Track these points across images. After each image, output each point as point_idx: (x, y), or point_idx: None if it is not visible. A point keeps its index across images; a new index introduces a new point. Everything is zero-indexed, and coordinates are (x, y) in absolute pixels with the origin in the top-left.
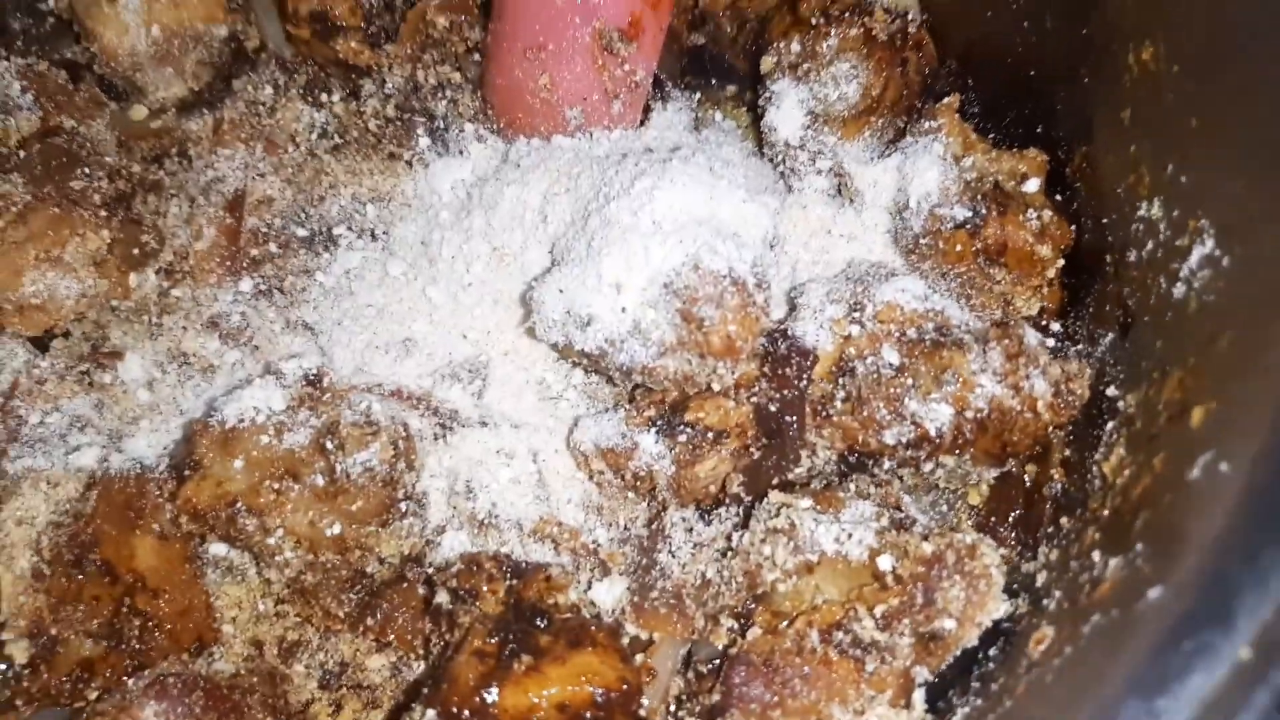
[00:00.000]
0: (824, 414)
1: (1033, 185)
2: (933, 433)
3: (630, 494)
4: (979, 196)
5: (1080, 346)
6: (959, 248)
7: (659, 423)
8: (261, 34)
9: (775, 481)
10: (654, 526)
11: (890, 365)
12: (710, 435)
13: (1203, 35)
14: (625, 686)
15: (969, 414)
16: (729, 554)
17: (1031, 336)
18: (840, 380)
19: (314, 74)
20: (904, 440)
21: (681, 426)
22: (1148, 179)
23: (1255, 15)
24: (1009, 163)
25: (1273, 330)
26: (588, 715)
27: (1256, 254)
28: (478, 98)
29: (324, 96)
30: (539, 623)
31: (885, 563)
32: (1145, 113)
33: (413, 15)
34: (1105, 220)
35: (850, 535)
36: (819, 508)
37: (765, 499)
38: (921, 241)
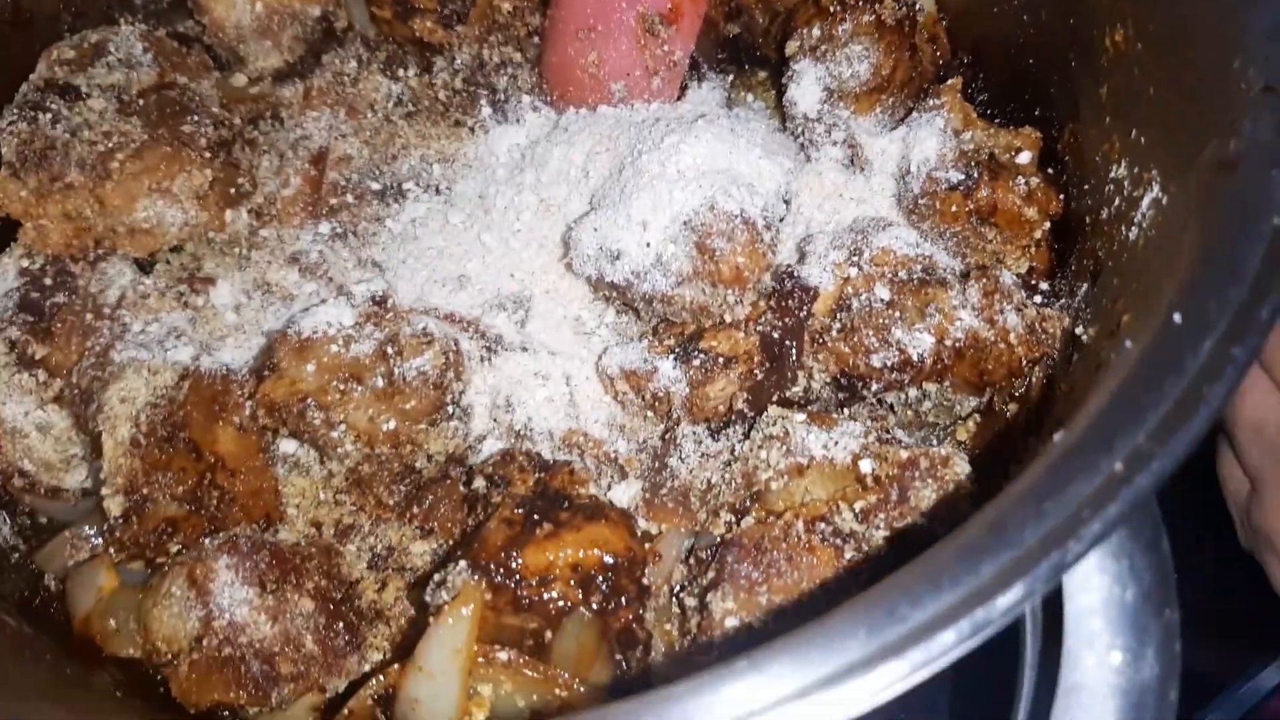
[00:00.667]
0: (820, 341)
1: (1025, 157)
2: (915, 358)
3: (649, 413)
4: (974, 164)
5: (1063, 301)
6: (954, 208)
7: (677, 350)
8: (349, 15)
9: (775, 399)
10: (667, 438)
11: (881, 300)
12: (721, 361)
13: (1163, 15)
14: (632, 555)
15: (948, 342)
16: (731, 461)
17: (1007, 278)
18: (838, 315)
19: (393, 51)
20: (889, 364)
21: (696, 353)
22: (1118, 145)
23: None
24: (1005, 138)
25: (1183, 243)
26: (597, 576)
27: (1182, 189)
28: (535, 74)
29: (400, 70)
30: (561, 504)
31: (866, 466)
32: (1117, 87)
33: (482, 1)
34: (1086, 187)
35: (837, 443)
36: (813, 423)
37: (765, 413)
38: (920, 202)
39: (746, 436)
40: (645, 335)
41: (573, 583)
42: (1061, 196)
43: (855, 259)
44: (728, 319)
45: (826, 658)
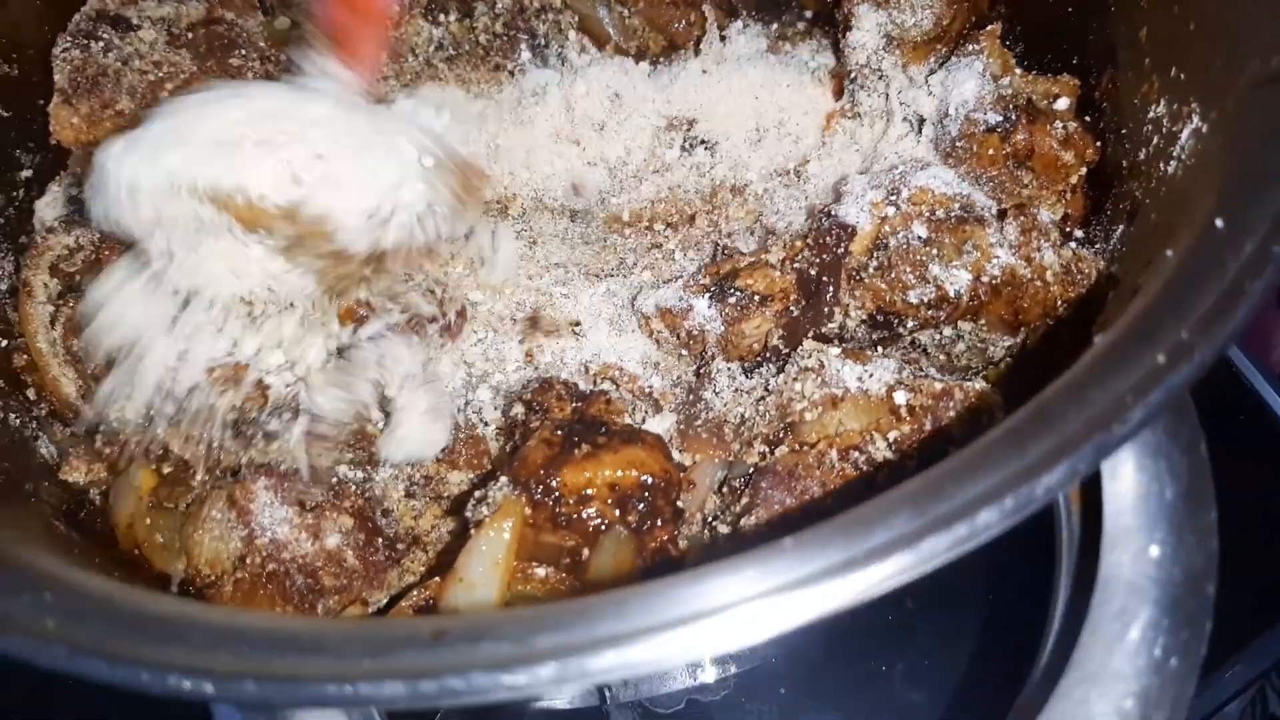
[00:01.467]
0: (857, 278)
1: (1063, 104)
2: (951, 294)
3: (683, 352)
4: (1012, 107)
5: (1098, 246)
6: (990, 151)
7: (712, 289)
8: None
9: (810, 335)
10: (701, 372)
11: (918, 238)
12: (757, 298)
13: None
14: (668, 477)
15: (984, 279)
16: (766, 394)
17: (1044, 216)
18: (875, 253)
19: None
20: (925, 300)
21: (732, 290)
22: (1157, 85)
23: None
24: (1043, 85)
25: (1220, 160)
26: (634, 495)
27: (1221, 114)
28: (575, 18)
29: (441, 15)
30: (599, 429)
31: (900, 397)
32: (1158, 27)
33: None
34: (1124, 131)
35: (872, 375)
36: (848, 357)
37: (800, 346)
38: (958, 145)
39: (780, 370)
40: (680, 276)
41: (610, 501)
42: (1098, 143)
43: (893, 198)
44: (769, 259)
45: (871, 533)
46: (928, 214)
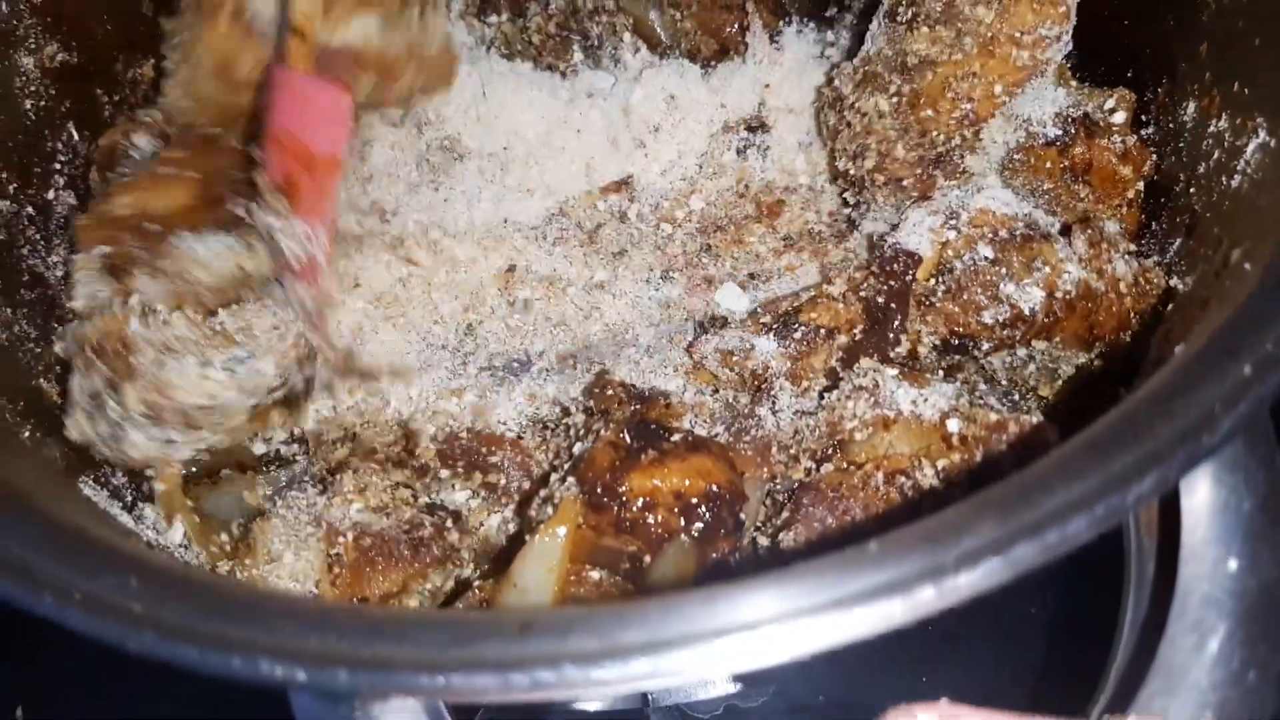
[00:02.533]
0: (927, 304)
1: (1119, 117)
2: (1026, 312)
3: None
4: (1069, 121)
5: (1154, 259)
6: (1048, 164)
7: (775, 326)
8: None
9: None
10: (762, 388)
11: (985, 258)
12: (823, 332)
13: None
14: (733, 488)
15: (1058, 295)
16: (818, 409)
17: (1111, 227)
18: (941, 278)
19: None
20: (1000, 320)
21: (797, 326)
22: (1218, 99)
23: None
24: (1099, 98)
25: None
26: (699, 505)
27: None
28: (630, 19)
29: (493, 16)
30: (662, 433)
31: (953, 425)
32: (1219, 42)
33: None
34: (1181, 144)
35: (926, 400)
36: (904, 379)
37: (857, 364)
38: (1015, 157)
39: (835, 386)
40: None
41: (675, 510)
42: (1155, 157)
43: (952, 222)
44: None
45: (960, 537)
46: (991, 235)
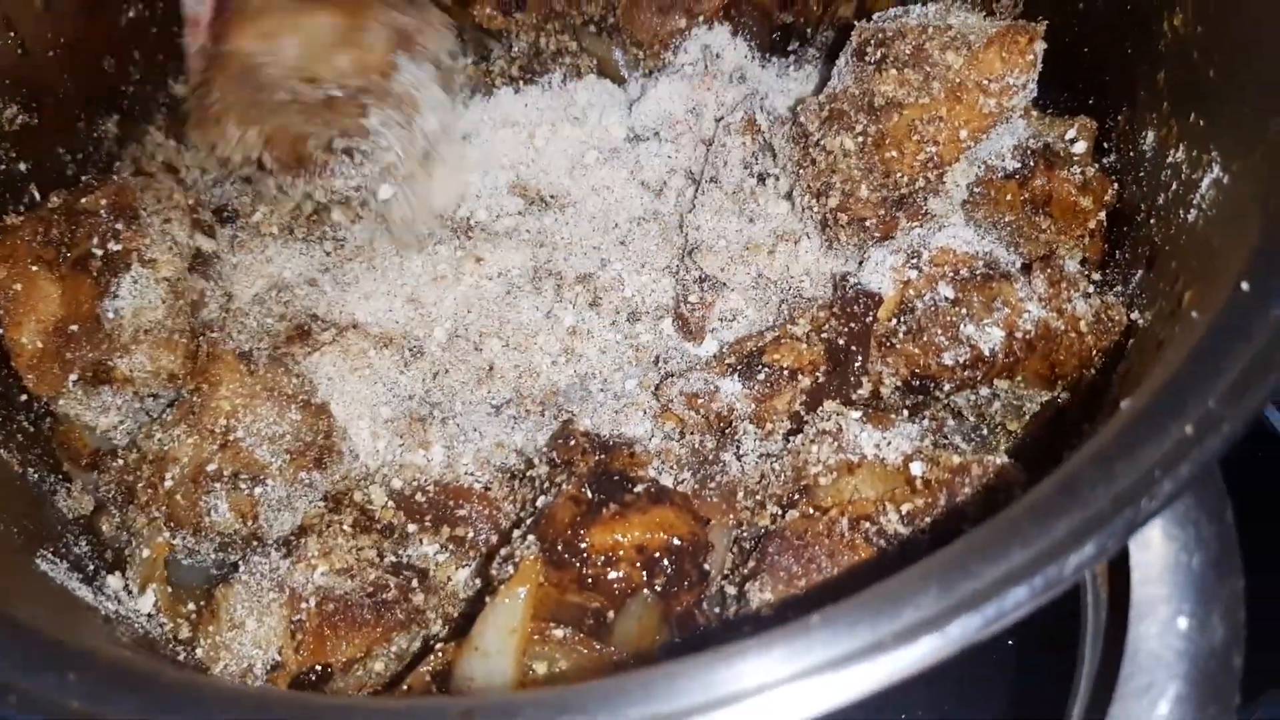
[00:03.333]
0: (888, 345)
1: (1080, 147)
2: (986, 353)
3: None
4: (1029, 153)
5: (1117, 289)
6: (1009, 197)
7: (739, 368)
8: None
9: (835, 400)
10: (726, 432)
11: (946, 299)
12: (786, 373)
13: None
14: (695, 540)
15: (1018, 334)
16: (783, 454)
17: (1071, 266)
18: (902, 318)
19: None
20: (960, 361)
21: (760, 368)
22: (1175, 129)
23: None
24: (1060, 127)
25: (1248, 211)
26: (662, 558)
27: (1244, 167)
28: (592, 61)
29: (458, 60)
30: (626, 485)
31: (917, 468)
32: (1175, 72)
33: None
34: (1141, 174)
35: (890, 443)
36: (868, 422)
37: (820, 408)
38: (975, 191)
39: (799, 430)
40: (702, 361)
41: (638, 564)
42: (1116, 186)
43: (914, 260)
44: (795, 331)
45: (899, 613)
46: (951, 274)
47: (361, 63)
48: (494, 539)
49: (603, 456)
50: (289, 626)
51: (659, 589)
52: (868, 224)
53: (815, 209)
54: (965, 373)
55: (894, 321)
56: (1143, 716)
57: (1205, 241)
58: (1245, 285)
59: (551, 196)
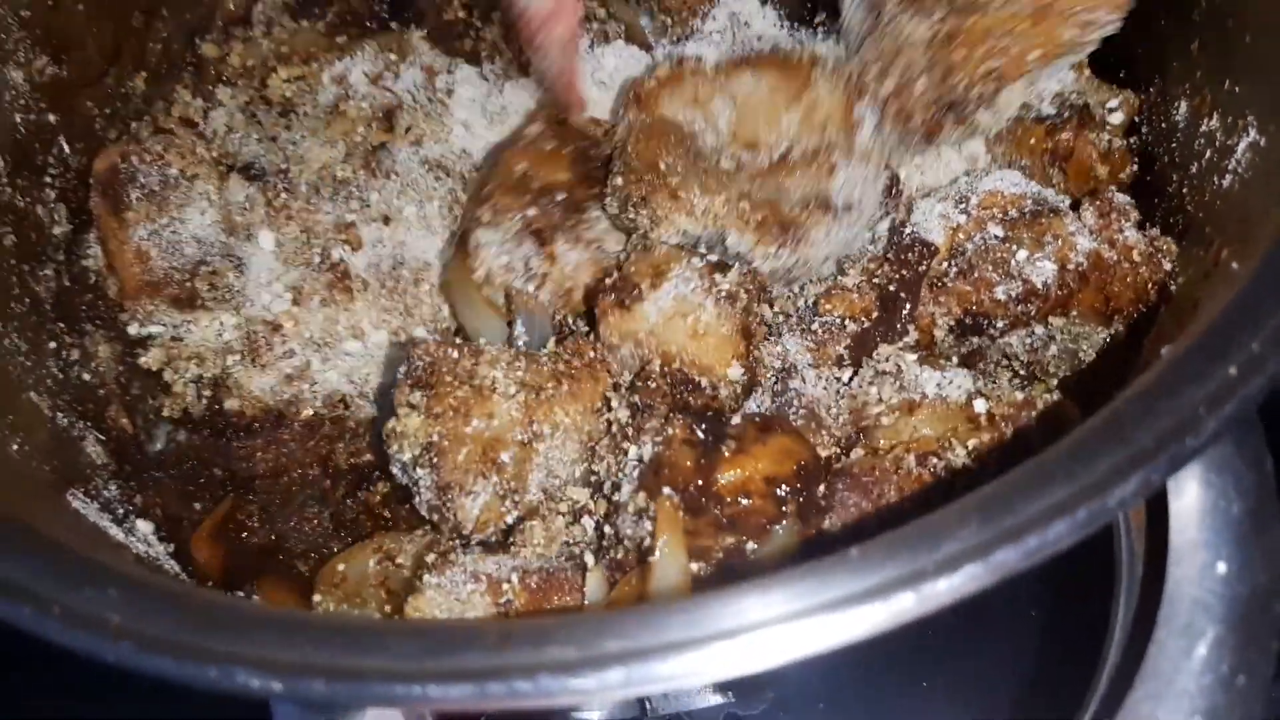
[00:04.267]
0: (940, 285)
1: (1117, 118)
2: (1039, 286)
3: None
4: (1067, 105)
5: None
6: (1032, 141)
7: (794, 317)
8: None
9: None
10: (786, 367)
11: (996, 237)
12: (839, 321)
13: None
14: (816, 461)
15: (1070, 267)
16: (840, 396)
17: (1121, 198)
18: (953, 260)
19: None
20: (1014, 295)
21: (813, 318)
22: (1209, 97)
23: None
24: (1105, 94)
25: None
26: (785, 486)
27: None
28: (621, 28)
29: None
30: (724, 420)
31: (980, 405)
32: (1210, 40)
33: None
34: (1173, 145)
35: (951, 382)
36: (925, 364)
37: (876, 352)
38: (1004, 124)
39: (856, 374)
40: None
41: (771, 496)
42: (1135, 165)
43: (962, 206)
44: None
45: (939, 544)
46: (1000, 215)
47: (811, 120)
48: None
49: (684, 393)
50: (497, 611)
51: (798, 514)
52: (913, 121)
53: (867, 81)
54: (1019, 307)
55: (945, 265)
56: (1180, 658)
57: (1242, 203)
58: None
59: None
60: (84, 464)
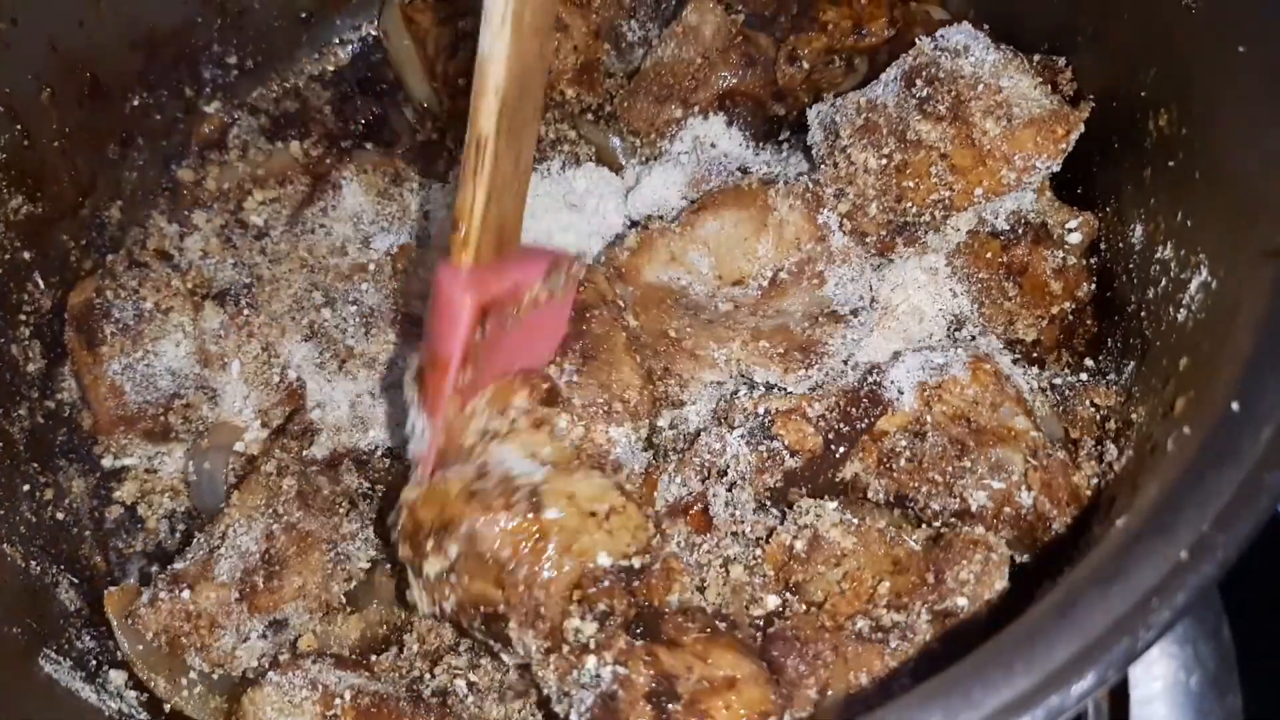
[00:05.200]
0: (886, 465)
1: (1075, 238)
2: (973, 509)
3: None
4: (1024, 222)
5: (1110, 377)
6: (989, 254)
7: (748, 430)
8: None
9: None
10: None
11: (956, 447)
12: (786, 453)
13: (1204, 103)
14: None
15: (1007, 509)
16: (762, 543)
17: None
18: (909, 442)
19: None
20: (948, 508)
21: (768, 435)
22: (1163, 226)
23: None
24: (1064, 215)
25: (1237, 322)
26: None
27: (1232, 274)
28: (591, 151)
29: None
30: (667, 628)
31: (899, 551)
32: (1161, 170)
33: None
34: (1131, 265)
35: (869, 531)
36: (846, 509)
37: (798, 504)
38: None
39: (781, 522)
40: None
41: None
42: (1094, 285)
43: (937, 377)
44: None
45: None
46: (967, 424)
47: (784, 240)
48: None
49: (634, 588)
50: None
51: None
52: (868, 239)
53: (824, 198)
54: (948, 516)
55: (903, 443)
56: None
57: (1195, 345)
58: (1235, 406)
59: None
60: (56, 614)
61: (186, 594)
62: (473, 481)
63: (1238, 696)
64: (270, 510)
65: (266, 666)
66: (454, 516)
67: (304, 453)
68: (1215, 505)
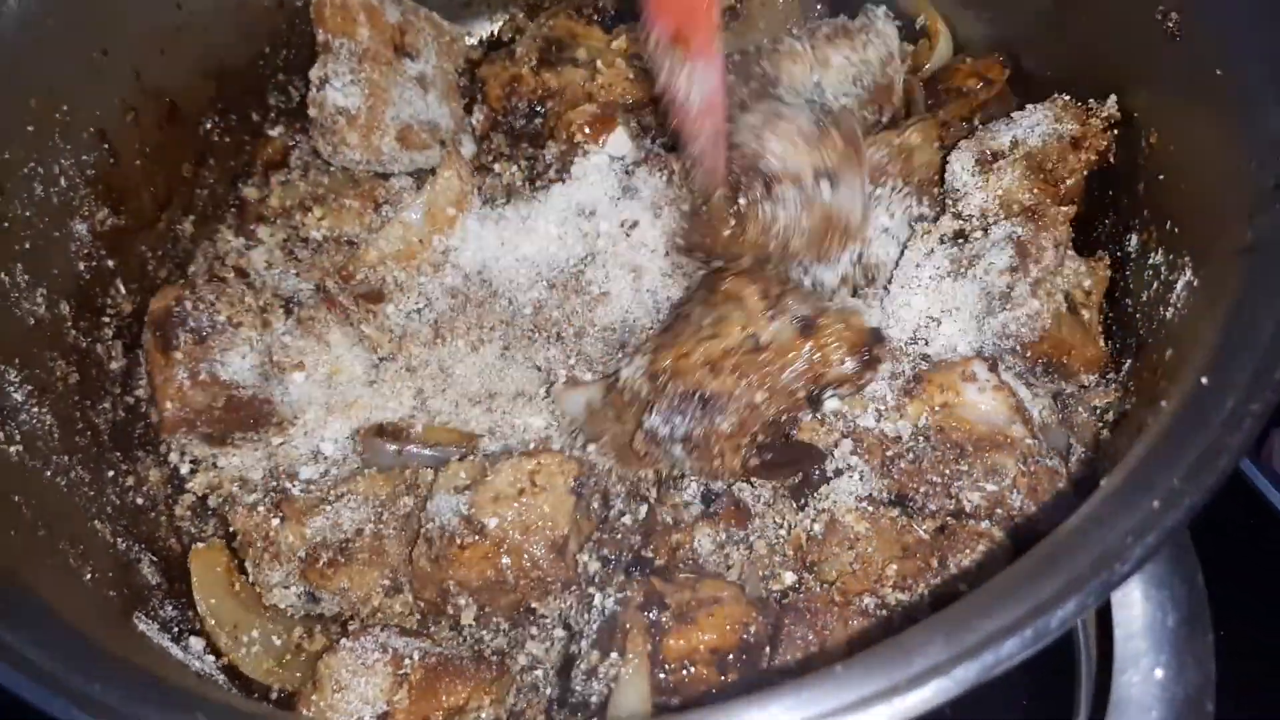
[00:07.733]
0: (888, 465)
1: (1094, 296)
2: (966, 508)
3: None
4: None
5: (1109, 374)
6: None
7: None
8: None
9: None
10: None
11: (955, 453)
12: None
13: (1185, 124)
14: (759, 625)
15: (999, 511)
16: (784, 527)
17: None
18: (915, 444)
19: None
20: (944, 508)
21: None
22: (1154, 234)
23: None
24: (1081, 273)
25: (1213, 312)
26: (732, 653)
27: (1210, 271)
28: None
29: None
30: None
31: (909, 538)
32: (1153, 182)
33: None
34: (1128, 271)
35: (882, 517)
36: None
37: (818, 491)
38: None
39: (801, 509)
40: None
41: (715, 664)
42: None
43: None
44: None
45: (910, 660)
46: (967, 437)
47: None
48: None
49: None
50: (394, 681)
51: (737, 679)
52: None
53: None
54: (944, 515)
55: (905, 447)
56: None
57: (1178, 339)
58: (1205, 380)
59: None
60: (142, 585)
61: (278, 521)
62: None
63: (1210, 634)
64: (379, 508)
65: (291, 615)
66: None
67: None
68: (1184, 462)
